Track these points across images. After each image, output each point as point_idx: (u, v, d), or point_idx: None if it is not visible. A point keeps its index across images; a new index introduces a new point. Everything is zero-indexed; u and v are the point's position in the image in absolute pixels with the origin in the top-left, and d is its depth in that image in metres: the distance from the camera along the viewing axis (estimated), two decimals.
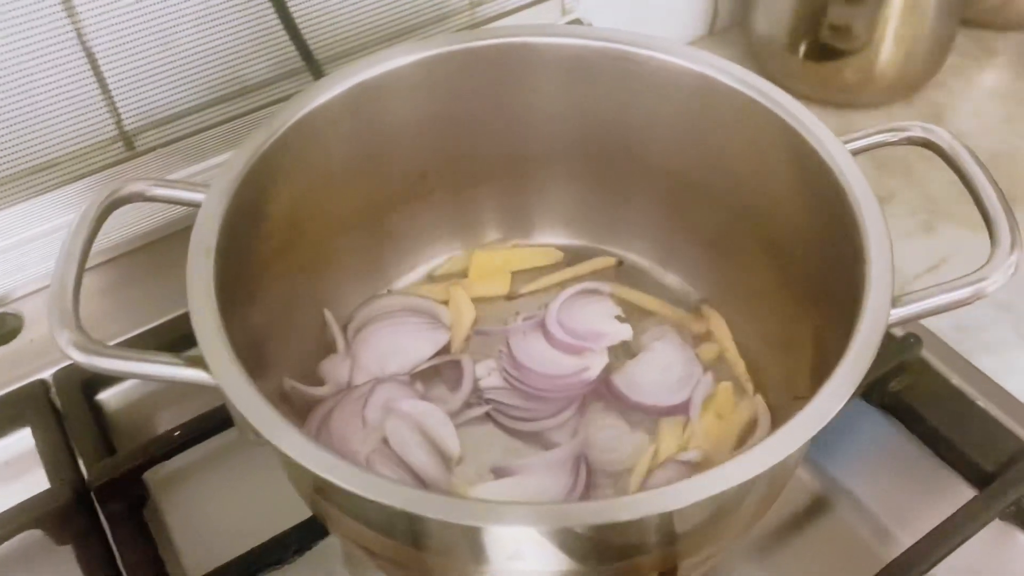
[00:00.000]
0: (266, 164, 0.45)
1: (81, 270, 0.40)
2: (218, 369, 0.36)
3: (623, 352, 0.54)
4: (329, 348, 0.53)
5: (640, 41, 0.49)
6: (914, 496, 0.51)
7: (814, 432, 0.34)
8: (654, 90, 0.49)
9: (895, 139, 0.44)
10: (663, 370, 0.51)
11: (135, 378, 0.49)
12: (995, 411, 0.52)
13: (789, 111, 0.45)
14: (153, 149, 0.62)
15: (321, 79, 0.48)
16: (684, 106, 0.49)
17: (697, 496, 0.33)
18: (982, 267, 0.39)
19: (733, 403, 0.51)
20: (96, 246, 0.59)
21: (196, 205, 0.43)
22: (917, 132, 0.44)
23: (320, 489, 0.38)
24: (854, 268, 0.40)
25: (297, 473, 0.39)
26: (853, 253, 0.40)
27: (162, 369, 0.38)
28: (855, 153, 0.44)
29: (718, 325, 0.54)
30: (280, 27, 0.61)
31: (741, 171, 0.49)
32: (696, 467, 0.47)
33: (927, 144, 0.44)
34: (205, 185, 0.43)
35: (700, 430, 0.49)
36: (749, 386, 0.52)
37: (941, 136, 0.43)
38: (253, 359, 0.43)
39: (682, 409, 0.50)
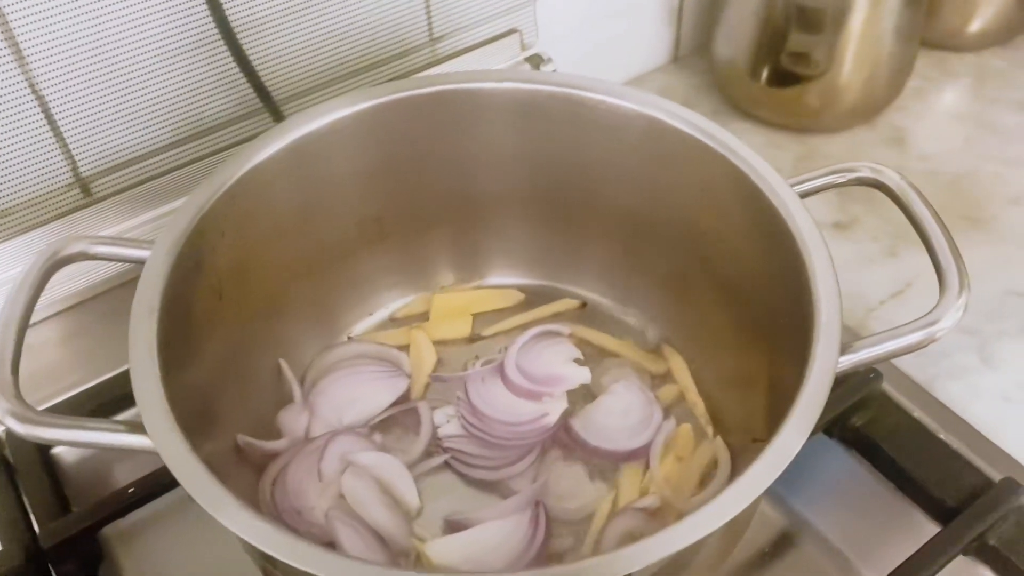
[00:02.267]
0: (212, 219, 0.44)
1: (21, 335, 0.39)
2: (157, 436, 0.35)
3: (583, 395, 0.54)
4: (287, 399, 0.52)
5: (589, 85, 0.49)
6: (879, 532, 0.51)
7: (764, 487, 0.34)
8: (605, 132, 0.49)
9: (844, 180, 0.44)
10: (623, 414, 0.51)
11: (74, 446, 0.48)
12: (957, 444, 0.52)
13: (738, 154, 0.45)
14: (112, 195, 0.61)
15: (267, 131, 0.47)
16: (635, 148, 0.49)
17: (653, 557, 0.33)
18: (931, 311, 0.39)
19: (693, 445, 0.50)
20: (53, 295, 0.60)
21: (140, 262, 0.42)
22: (866, 173, 0.44)
23: (270, 560, 0.37)
24: (804, 313, 0.40)
25: (246, 543, 0.38)
26: (803, 298, 0.40)
27: (102, 436, 0.37)
28: (804, 195, 0.44)
29: (678, 366, 0.54)
30: (238, 68, 0.60)
31: (693, 212, 0.49)
32: (655, 513, 0.46)
33: (876, 185, 0.44)
34: (150, 241, 0.43)
35: (660, 475, 0.48)
36: (709, 428, 0.51)
37: (890, 177, 0.43)
38: (203, 415, 0.43)
39: (642, 453, 0.50)
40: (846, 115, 0.77)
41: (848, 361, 0.38)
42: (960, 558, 0.47)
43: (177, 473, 0.34)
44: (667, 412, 0.52)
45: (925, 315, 0.39)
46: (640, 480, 0.49)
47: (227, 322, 0.47)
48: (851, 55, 0.72)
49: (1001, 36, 0.86)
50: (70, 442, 0.37)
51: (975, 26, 0.84)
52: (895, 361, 0.56)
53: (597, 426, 0.50)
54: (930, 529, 0.49)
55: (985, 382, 0.58)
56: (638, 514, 0.46)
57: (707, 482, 0.48)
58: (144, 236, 0.60)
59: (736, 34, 0.77)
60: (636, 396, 0.52)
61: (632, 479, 0.49)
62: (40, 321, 0.60)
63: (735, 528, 0.42)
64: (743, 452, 0.48)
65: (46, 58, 0.53)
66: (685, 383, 0.53)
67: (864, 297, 0.64)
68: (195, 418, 0.39)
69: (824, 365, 0.37)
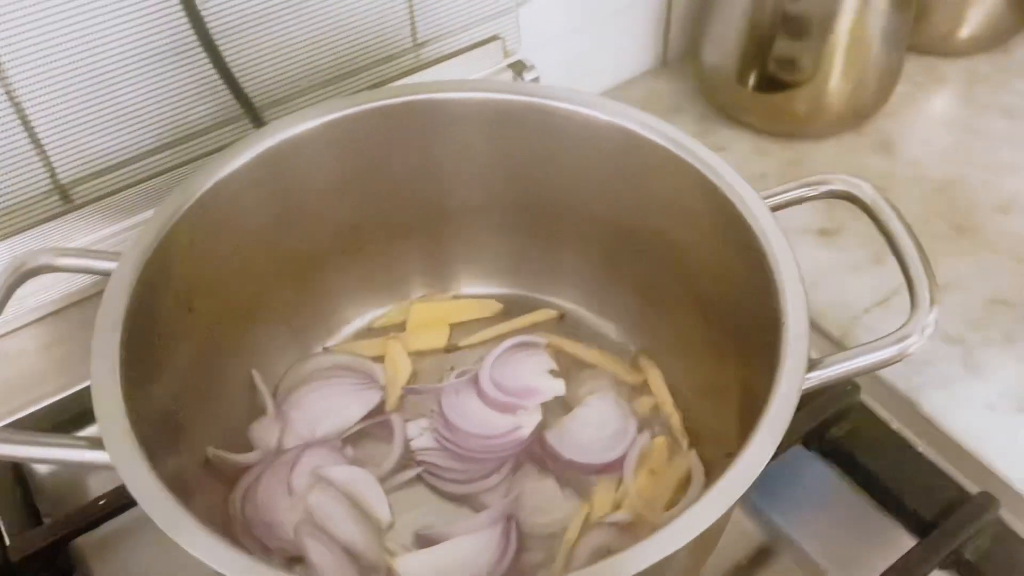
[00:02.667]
0: (182, 229, 0.44)
1: None
2: (116, 454, 0.35)
3: (558, 407, 0.53)
4: (260, 411, 0.52)
5: (562, 95, 0.48)
6: (856, 544, 0.50)
7: (732, 502, 0.34)
8: (579, 143, 0.49)
9: (816, 193, 0.44)
10: (597, 426, 0.50)
11: (32, 462, 0.48)
12: (936, 457, 0.51)
13: (710, 166, 0.45)
14: (91, 202, 0.61)
15: (238, 140, 0.47)
16: (609, 158, 0.49)
17: (625, 573, 0.33)
18: (903, 326, 0.39)
19: (667, 458, 0.50)
20: (29, 304, 0.60)
21: (107, 274, 0.42)
22: (839, 186, 0.43)
23: None
24: (774, 328, 0.39)
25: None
26: (772, 313, 0.40)
27: (61, 452, 0.37)
28: (776, 209, 0.43)
29: (654, 377, 0.54)
30: (217, 74, 0.60)
31: (666, 223, 0.48)
32: (627, 527, 0.46)
33: (849, 198, 0.43)
34: (116, 253, 0.43)
35: (633, 489, 0.48)
36: (684, 441, 0.51)
37: (863, 190, 0.43)
38: (171, 429, 0.43)
39: (616, 466, 0.49)
40: (834, 121, 0.76)
41: (816, 377, 0.38)
42: (936, 572, 0.47)
43: (135, 492, 0.34)
44: (642, 424, 0.52)
45: (896, 331, 0.39)
46: (613, 494, 0.49)
47: (198, 334, 0.47)
48: (838, 61, 0.71)
49: (991, 41, 0.85)
50: (27, 459, 0.37)
51: (965, 31, 0.84)
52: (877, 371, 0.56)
53: (571, 439, 0.50)
54: (907, 542, 0.48)
55: (970, 391, 0.57)
56: (611, 529, 0.46)
57: (681, 496, 0.48)
58: (124, 244, 0.60)
59: (723, 40, 0.76)
60: (611, 408, 0.51)
61: (605, 493, 0.49)
62: (16, 330, 0.59)
63: (706, 541, 0.41)
64: (717, 466, 0.47)
65: (23, 64, 0.53)
66: (661, 395, 0.53)
67: (849, 304, 0.63)
68: (162, 432, 0.39)
69: (790, 382, 0.37)
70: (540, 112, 0.49)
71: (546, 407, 0.53)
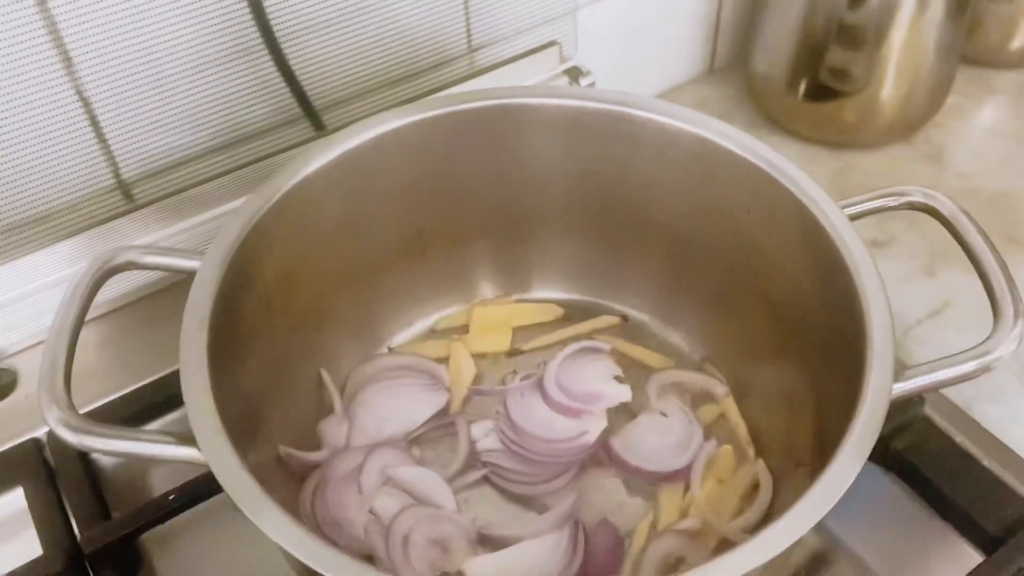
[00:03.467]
0: (261, 230, 0.45)
1: (73, 345, 0.39)
2: (208, 451, 0.36)
3: (623, 413, 0.53)
4: (328, 409, 0.53)
5: (635, 102, 0.49)
6: (918, 558, 0.50)
7: (817, 519, 0.34)
8: (653, 150, 0.49)
9: (895, 204, 0.44)
10: (662, 434, 0.50)
11: (126, 457, 0.48)
12: (1000, 471, 0.51)
13: (788, 175, 0.45)
14: (153, 201, 0.61)
15: (315, 143, 0.48)
16: (683, 166, 0.49)
17: None
18: (987, 340, 0.39)
19: (733, 467, 0.50)
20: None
21: (190, 272, 0.42)
22: (918, 198, 0.43)
23: (311, 572, 0.37)
24: (855, 338, 0.39)
25: (292, 557, 0.38)
26: (854, 323, 0.40)
27: (152, 448, 0.37)
28: (854, 218, 0.43)
29: (720, 385, 0.54)
30: (279, 76, 0.60)
31: (740, 232, 0.48)
32: (695, 535, 0.46)
33: (928, 210, 0.43)
34: (199, 252, 0.43)
35: (700, 496, 0.48)
36: (750, 450, 0.51)
37: (942, 203, 0.43)
38: (248, 425, 0.43)
39: (682, 475, 0.49)
40: (884, 131, 0.76)
41: (901, 389, 0.38)
42: None
43: (228, 487, 0.35)
44: (708, 432, 0.52)
45: (979, 344, 0.39)
46: (680, 501, 0.49)
47: (273, 333, 0.47)
48: (891, 71, 0.71)
49: None
50: (120, 453, 0.37)
51: (1016, 43, 0.83)
52: None
53: (637, 445, 0.50)
54: (973, 558, 0.48)
55: None
56: (679, 536, 0.46)
57: (747, 505, 0.48)
58: (183, 243, 0.61)
59: (774, 47, 0.77)
60: (677, 416, 0.51)
61: (672, 500, 0.49)
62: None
63: (785, 557, 0.41)
64: (785, 475, 0.48)
65: (93, 63, 0.54)
66: (727, 403, 0.53)
67: (901, 316, 0.63)
68: (241, 429, 0.39)
69: (878, 393, 0.37)
70: (613, 118, 0.49)
71: (611, 412, 0.53)
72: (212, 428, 0.36)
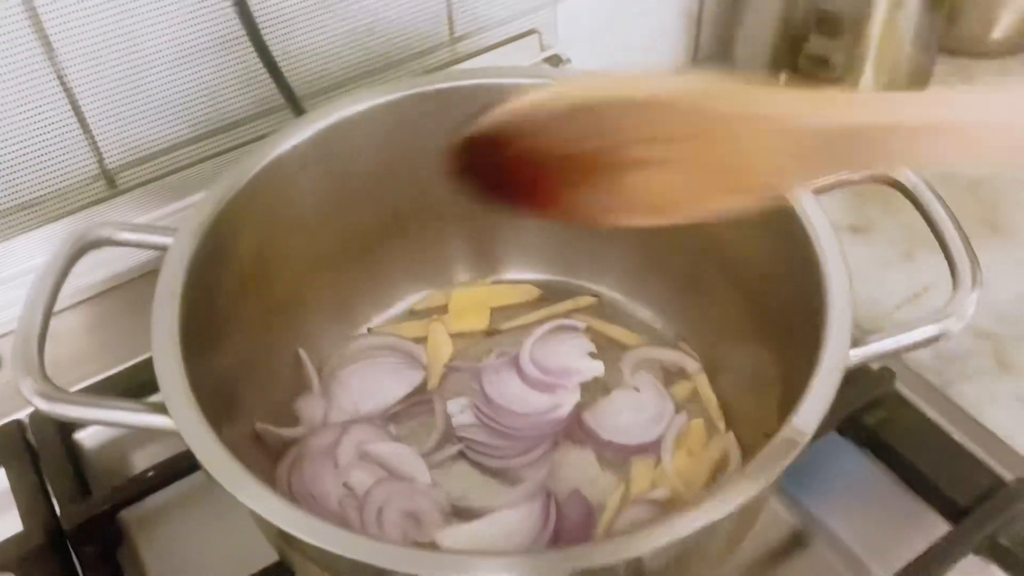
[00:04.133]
0: (235, 207, 0.45)
1: (47, 317, 0.40)
2: (179, 416, 0.36)
3: (597, 389, 0.54)
4: (305, 387, 0.53)
5: None
6: (890, 530, 0.50)
7: (772, 478, 0.34)
8: None
9: (858, 177, 0.44)
10: (635, 408, 0.51)
11: (98, 424, 0.49)
12: (970, 445, 0.51)
13: None
14: (136, 187, 0.62)
15: (289, 123, 0.48)
16: None
17: (663, 540, 0.33)
18: (944, 306, 0.39)
19: (705, 440, 0.51)
20: (74, 286, 0.61)
21: (165, 248, 0.43)
22: (880, 170, 0.44)
23: (285, 538, 0.38)
24: (817, 308, 0.40)
25: (262, 522, 0.39)
26: (815, 293, 0.40)
27: (125, 416, 0.38)
28: (818, 192, 0.44)
29: (692, 362, 0.54)
30: (261, 64, 0.61)
31: None
32: (665, 505, 0.47)
33: (890, 182, 0.44)
34: (174, 229, 0.44)
35: (671, 468, 0.49)
36: (721, 424, 0.52)
37: (905, 174, 0.43)
38: (223, 401, 0.44)
39: (653, 448, 0.50)
40: None
41: (859, 354, 0.38)
42: (971, 557, 0.47)
43: (198, 453, 0.35)
44: (680, 407, 0.53)
45: (938, 310, 0.39)
46: (651, 473, 0.49)
47: (249, 311, 0.48)
48: (870, 60, 0.72)
49: (1023, 43, 0.86)
50: (94, 420, 0.38)
51: (997, 33, 0.84)
52: (910, 363, 0.56)
53: (610, 420, 0.51)
54: (941, 528, 0.49)
55: (1001, 386, 0.58)
56: (649, 506, 0.47)
57: (717, 477, 0.49)
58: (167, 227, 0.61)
59: (755, 37, 0.77)
60: (649, 391, 0.52)
61: (643, 472, 0.49)
62: (63, 309, 0.61)
63: (745, 519, 0.42)
64: (755, 448, 0.48)
65: (75, 51, 0.55)
66: (699, 379, 0.54)
67: (880, 301, 0.64)
68: (215, 403, 0.40)
69: (835, 355, 0.37)
70: None
71: (585, 389, 0.54)
72: (183, 394, 0.37)
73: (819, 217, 0.42)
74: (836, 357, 0.37)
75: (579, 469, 0.49)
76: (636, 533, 0.33)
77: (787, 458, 0.35)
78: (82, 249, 0.43)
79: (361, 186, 0.52)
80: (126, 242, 0.44)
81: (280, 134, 0.48)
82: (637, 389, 0.52)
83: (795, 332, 0.44)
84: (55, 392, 0.37)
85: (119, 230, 0.43)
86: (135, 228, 0.44)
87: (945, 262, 0.42)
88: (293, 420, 0.52)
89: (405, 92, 0.50)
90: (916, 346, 0.39)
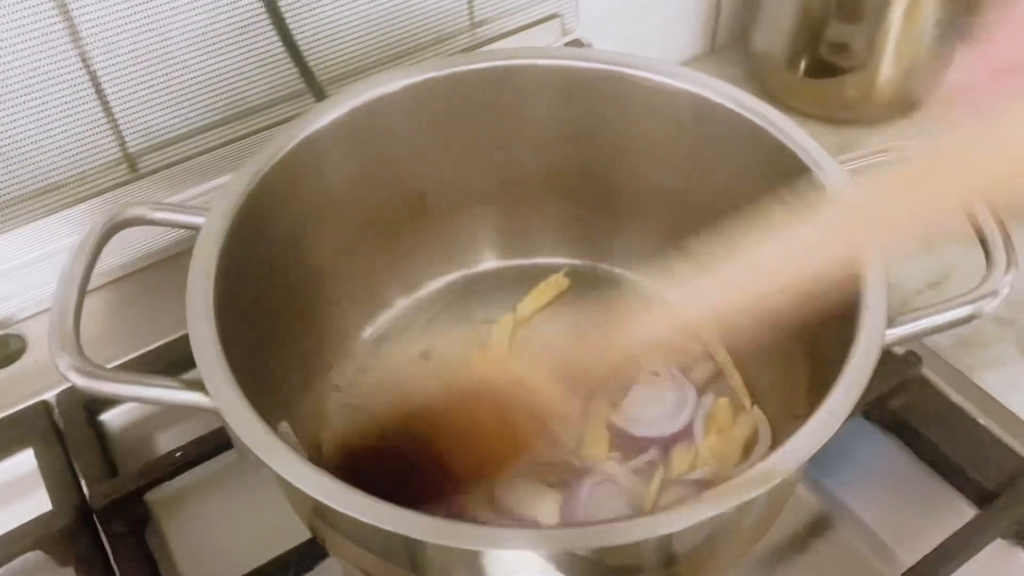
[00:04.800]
0: (266, 187, 0.45)
1: (82, 294, 0.40)
2: (216, 392, 0.36)
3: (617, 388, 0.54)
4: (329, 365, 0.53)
5: (634, 62, 0.49)
6: (915, 515, 0.50)
7: (808, 455, 0.35)
8: (650, 110, 0.50)
9: (891, 159, 0.44)
10: (658, 400, 0.51)
11: (134, 401, 0.49)
12: (996, 429, 0.52)
13: (785, 132, 0.45)
14: (157, 171, 0.62)
15: (319, 103, 0.48)
16: (680, 126, 0.50)
17: (693, 520, 0.33)
18: (978, 286, 0.39)
19: (731, 418, 0.51)
20: (100, 267, 0.61)
21: (196, 228, 0.43)
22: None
23: (318, 512, 0.38)
24: (850, 288, 0.40)
25: (295, 496, 0.39)
26: (848, 272, 0.40)
27: (161, 393, 0.38)
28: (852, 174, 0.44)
29: (714, 341, 0.54)
30: (282, 49, 0.61)
31: (738, 191, 0.49)
32: (705, 485, 0.47)
33: None
34: (205, 208, 0.44)
35: (705, 449, 0.49)
36: (747, 400, 0.52)
37: None
38: (254, 379, 0.44)
39: (686, 434, 0.50)
40: (885, 107, 0.77)
41: (894, 334, 0.38)
42: (998, 541, 0.48)
43: (236, 426, 0.35)
44: (704, 388, 0.53)
45: (972, 290, 0.39)
46: (689, 457, 0.50)
47: (277, 291, 0.48)
48: (891, 46, 0.72)
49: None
50: (130, 397, 0.38)
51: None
52: (935, 346, 0.56)
53: (637, 417, 0.51)
54: (968, 512, 0.49)
55: (1023, 373, 0.58)
56: (689, 485, 0.47)
57: (750, 452, 0.49)
58: None
59: (774, 24, 0.77)
60: (665, 379, 0.53)
61: (681, 456, 0.50)
62: (90, 291, 0.61)
63: (772, 503, 0.42)
64: (784, 428, 0.48)
65: (98, 34, 0.54)
66: (721, 356, 0.54)
67: (901, 288, 0.63)
68: (246, 382, 0.40)
69: (871, 336, 0.37)
70: (612, 79, 0.50)
71: (607, 388, 0.53)
72: (220, 371, 0.37)
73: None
74: (873, 337, 0.37)
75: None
76: (666, 511, 0.33)
77: (821, 440, 0.35)
78: (116, 227, 0.43)
79: (388, 167, 0.52)
80: (160, 221, 0.44)
81: (308, 114, 0.48)
82: (653, 381, 0.52)
83: (825, 312, 0.43)
84: (93, 368, 0.37)
85: (153, 209, 0.44)
86: (168, 208, 0.44)
87: (965, 249, 0.42)
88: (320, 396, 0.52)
89: (432, 74, 0.50)
90: (950, 325, 0.39)
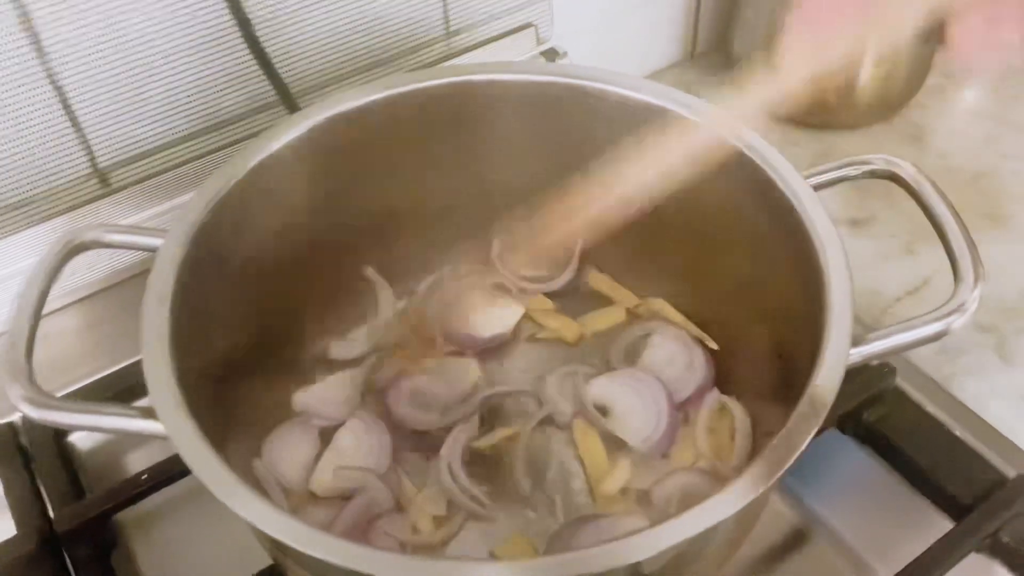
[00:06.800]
0: (227, 207, 0.45)
1: (36, 322, 0.39)
2: (168, 420, 0.36)
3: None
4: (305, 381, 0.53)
5: (599, 76, 0.49)
6: (891, 528, 0.50)
7: (773, 479, 0.34)
8: (615, 124, 0.49)
9: (857, 173, 0.44)
10: (668, 363, 0.53)
11: (88, 430, 0.49)
12: (972, 441, 0.51)
13: (751, 146, 0.45)
14: (128, 185, 0.62)
15: (281, 121, 0.48)
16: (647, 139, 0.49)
17: (661, 546, 0.33)
18: (946, 303, 0.39)
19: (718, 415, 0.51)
20: (68, 285, 0.60)
21: (154, 250, 0.43)
22: (880, 165, 0.44)
23: (277, 545, 0.37)
24: (818, 306, 0.39)
25: (254, 529, 0.39)
26: (816, 291, 0.40)
27: (115, 421, 0.37)
28: (818, 188, 0.43)
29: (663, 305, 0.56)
30: (254, 61, 0.61)
31: (706, 204, 0.48)
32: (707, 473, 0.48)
33: (891, 177, 0.44)
34: (164, 230, 0.43)
35: (706, 448, 0.50)
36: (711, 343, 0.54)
37: (905, 169, 0.43)
38: (217, 403, 0.43)
39: (705, 389, 0.52)
40: (864, 112, 0.76)
41: (860, 353, 0.38)
42: (973, 555, 0.47)
43: (188, 459, 0.35)
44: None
45: (940, 307, 0.39)
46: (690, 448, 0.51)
47: (242, 312, 0.47)
48: (869, 52, 0.71)
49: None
50: (83, 426, 0.37)
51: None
52: (912, 357, 0.56)
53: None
54: (943, 525, 0.48)
55: (1003, 380, 0.58)
56: (693, 473, 0.49)
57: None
58: (161, 226, 0.61)
59: (754, 30, 0.77)
60: (673, 341, 0.54)
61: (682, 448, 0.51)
62: (58, 310, 0.60)
63: (743, 522, 0.42)
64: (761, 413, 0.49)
65: (65, 50, 0.54)
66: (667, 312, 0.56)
67: (880, 294, 0.63)
68: (208, 406, 0.39)
69: (835, 357, 0.37)
70: (578, 93, 0.49)
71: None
72: (171, 400, 0.36)
73: (819, 214, 0.42)
74: (836, 358, 0.37)
75: None
76: (634, 537, 0.33)
77: (786, 462, 0.34)
78: (70, 252, 0.42)
79: (355, 184, 0.52)
80: (116, 244, 0.43)
81: (270, 133, 0.47)
82: (662, 343, 0.54)
83: (797, 328, 0.43)
84: (43, 398, 0.37)
85: (107, 232, 0.43)
86: (124, 230, 0.43)
87: (944, 256, 0.41)
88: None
89: (398, 89, 0.49)
90: (918, 343, 0.39)
